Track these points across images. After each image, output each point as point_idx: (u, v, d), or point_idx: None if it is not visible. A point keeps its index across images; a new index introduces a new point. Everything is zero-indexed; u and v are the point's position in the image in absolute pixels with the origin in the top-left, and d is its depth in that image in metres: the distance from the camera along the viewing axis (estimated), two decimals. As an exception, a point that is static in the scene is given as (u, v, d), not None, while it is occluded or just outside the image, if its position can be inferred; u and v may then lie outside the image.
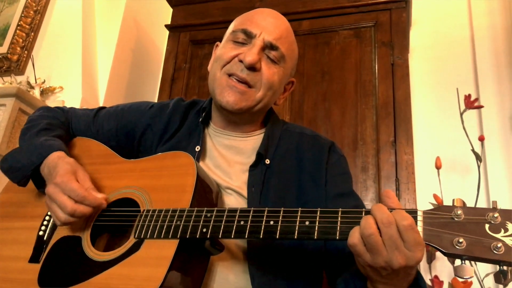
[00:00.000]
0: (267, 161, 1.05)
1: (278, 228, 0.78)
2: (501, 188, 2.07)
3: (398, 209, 0.71)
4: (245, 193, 1.01)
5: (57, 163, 0.96)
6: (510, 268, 0.69)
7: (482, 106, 1.97)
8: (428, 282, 1.84)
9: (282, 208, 0.80)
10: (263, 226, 0.79)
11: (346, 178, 1.11)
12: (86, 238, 0.94)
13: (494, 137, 2.20)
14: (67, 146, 1.14)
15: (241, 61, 1.01)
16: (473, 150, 1.93)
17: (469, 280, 1.74)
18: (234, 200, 1.01)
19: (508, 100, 2.26)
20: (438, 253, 1.94)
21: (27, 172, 1.00)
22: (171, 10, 2.65)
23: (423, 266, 1.96)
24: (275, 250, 0.97)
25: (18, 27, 2.67)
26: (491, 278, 1.88)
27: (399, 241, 0.68)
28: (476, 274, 1.75)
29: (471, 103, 1.90)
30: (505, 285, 1.51)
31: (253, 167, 1.04)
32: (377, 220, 0.70)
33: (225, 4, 2.50)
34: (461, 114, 1.97)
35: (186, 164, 0.94)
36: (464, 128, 1.95)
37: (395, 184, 1.86)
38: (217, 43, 1.16)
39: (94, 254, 0.90)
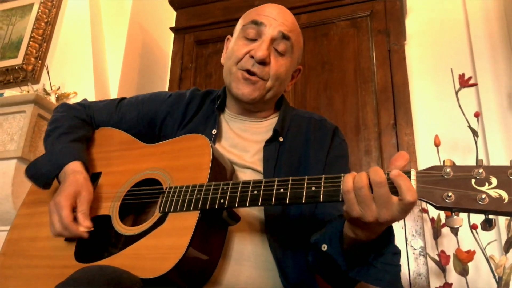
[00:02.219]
0: (281, 139, 1.15)
1: (288, 194, 0.85)
2: (499, 162, 2.12)
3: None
4: (260, 168, 1.10)
5: (66, 179, 1.05)
6: (495, 217, 0.76)
7: (475, 84, 2.03)
8: (436, 257, 1.92)
9: (291, 177, 0.87)
10: (274, 193, 0.86)
11: (344, 161, 1.20)
12: (115, 216, 1.02)
13: (492, 113, 2.25)
14: (89, 140, 1.23)
15: (252, 56, 1.11)
16: (469, 127, 1.98)
17: (472, 250, 1.82)
18: (249, 177, 1.09)
19: (503, 78, 2.30)
20: (444, 230, 2.00)
21: (48, 180, 1.11)
22: (174, 13, 2.74)
23: (430, 242, 2.03)
24: (290, 220, 1.06)
25: (31, 39, 2.74)
26: (494, 247, 1.96)
27: (388, 200, 0.74)
28: (478, 244, 1.83)
29: (465, 82, 1.96)
30: None
31: (268, 143, 1.14)
32: (370, 179, 0.75)
33: (226, 4, 2.57)
34: (456, 93, 2.03)
35: (202, 145, 1.02)
36: (460, 106, 2.00)
37: (398, 164, 1.94)
38: (228, 36, 1.27)
39: (124, 229, 0.98)
